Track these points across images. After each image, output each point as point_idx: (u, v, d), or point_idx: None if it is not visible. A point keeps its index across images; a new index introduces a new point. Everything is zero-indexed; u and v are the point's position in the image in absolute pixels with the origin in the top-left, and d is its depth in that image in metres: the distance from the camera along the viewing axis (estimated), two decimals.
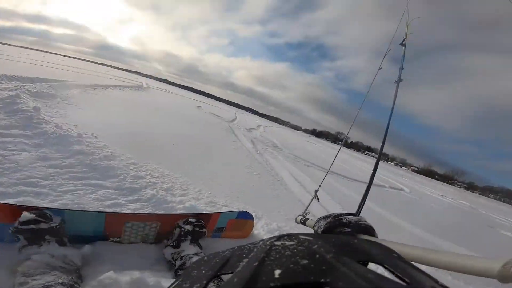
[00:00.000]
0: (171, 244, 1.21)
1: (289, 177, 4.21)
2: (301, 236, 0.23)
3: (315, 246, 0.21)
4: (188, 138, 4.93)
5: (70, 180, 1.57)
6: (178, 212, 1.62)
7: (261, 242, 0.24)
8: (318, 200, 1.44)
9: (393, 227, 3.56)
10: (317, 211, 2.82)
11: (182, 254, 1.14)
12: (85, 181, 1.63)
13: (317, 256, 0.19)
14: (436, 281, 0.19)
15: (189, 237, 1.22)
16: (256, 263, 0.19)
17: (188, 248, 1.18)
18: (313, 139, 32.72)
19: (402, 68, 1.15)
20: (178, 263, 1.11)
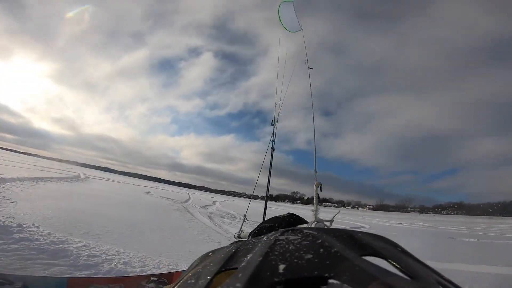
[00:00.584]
0: None
1: None
2: (305, 231, 0.23)
3: (320, 241, 0.20)
4: (141, 222, 4.78)
5: (19, 261, 1.50)
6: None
7: (265, 237, 0.24)
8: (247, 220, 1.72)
9: None
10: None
11: None
12: (36, 261, 1.57)
13: (322, 250, 0.19)
14: (441, 276, 0.18)
15: None
16: (260, 258, 0.19)
17: None
18: (271, 203, 32.85)
19: (273, 141, 1.72)
20: None
